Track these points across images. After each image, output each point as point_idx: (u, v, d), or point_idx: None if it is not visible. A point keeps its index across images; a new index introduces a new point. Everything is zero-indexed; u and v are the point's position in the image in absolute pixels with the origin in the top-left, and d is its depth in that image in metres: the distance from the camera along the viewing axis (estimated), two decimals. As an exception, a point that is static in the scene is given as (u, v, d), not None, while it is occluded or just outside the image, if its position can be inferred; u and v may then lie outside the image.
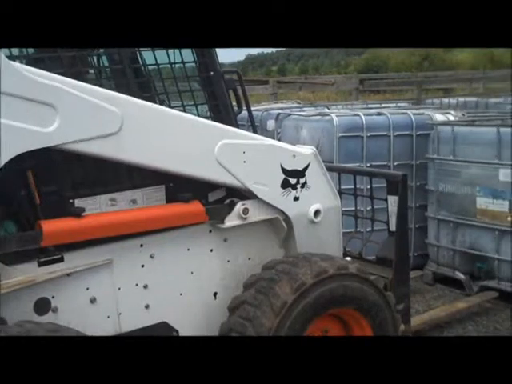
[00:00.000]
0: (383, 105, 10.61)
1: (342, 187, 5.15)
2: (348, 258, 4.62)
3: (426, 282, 7.34)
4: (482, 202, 6.74)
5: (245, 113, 4.53)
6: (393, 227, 4.79)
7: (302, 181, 4.26)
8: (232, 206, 4.08)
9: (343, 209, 4.95)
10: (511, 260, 6.61)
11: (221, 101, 4.26)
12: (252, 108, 4.76)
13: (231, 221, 4.06)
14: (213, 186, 4.08)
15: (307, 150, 4.36)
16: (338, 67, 45.93)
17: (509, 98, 13.12)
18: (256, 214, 4.14)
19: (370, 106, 10.42)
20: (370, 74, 32.39)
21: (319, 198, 4.38)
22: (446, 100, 14.01)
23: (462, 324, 6.28)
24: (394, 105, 10.82)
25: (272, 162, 4.14)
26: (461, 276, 7.10)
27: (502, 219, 6.60)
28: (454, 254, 7.17)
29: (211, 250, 4.09)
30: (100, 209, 3.73)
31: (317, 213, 4.36)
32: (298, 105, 11.41)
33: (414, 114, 7.79)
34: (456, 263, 7.17)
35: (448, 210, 7.15)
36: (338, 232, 4.60)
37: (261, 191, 4.09)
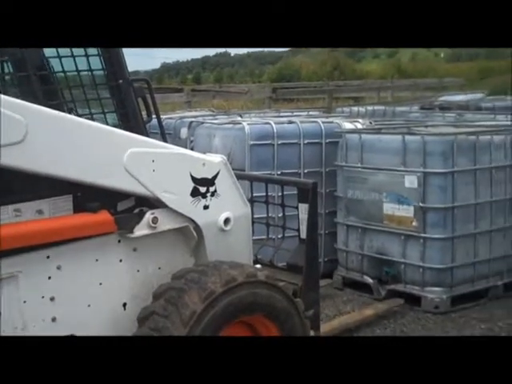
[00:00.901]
0: (295, 113, 10.74)
1: (254, 194, 5.14)
2: (258, 266, 4.61)
3: (336, 286, 7.40)
4: (389, 208, 6.86)
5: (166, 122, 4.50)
6: (303, 235, 4.81)
7: (211, 189, 4.24)
8: (141, 215, 4.01)
9: (255, 216, 4.97)
10: (417, 264, 6.75)
11: (130, 109, 4.18)
12: (166, 116, 4.71)
13: (140, 230, 3.98)
14: (122, 195, 3.99)
15: (217, 158, 4.35)
16: (252, 76, 46.29)
17: (414, 107, 13.48)
18: (165, 223, 4.08)
19: (282, 114, 10.52)
20: (283, 82, 32.71)
21: (229, 206, 4.36)
22: (355, 108, 14.25)
23: (371, 328, 6.36)
24: (306, 113, 10.95)
25: (181, 171, 4.10)
26: (369, 280, 7.20)
27: (407, 224, 6.75)
28: (363, 259, 7.27)
29: (120, 261, 4.00)
30: (4, 220, 3.57)
31: (227, 221, 4.34)
32: (211, 113, 11.42)
33: (323, 123, 7.87)
34: (364, 268, 7.28)
35: (356, 215, 7.25)
36: (249, 240, 4.59)
37: (170, 200, 4.04)
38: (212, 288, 3.83)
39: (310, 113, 11.04)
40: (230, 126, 7.79)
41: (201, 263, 4.21)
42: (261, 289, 4.05)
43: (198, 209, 4.18)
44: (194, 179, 4.13)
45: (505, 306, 6.82)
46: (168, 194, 4.03)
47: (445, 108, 12.38)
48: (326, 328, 5.85)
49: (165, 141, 4.33)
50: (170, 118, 8.80)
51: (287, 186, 5.24)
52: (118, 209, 4.01)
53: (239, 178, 4.51)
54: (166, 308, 3.82)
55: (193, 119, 8.37)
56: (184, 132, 7.91)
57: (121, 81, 4.13)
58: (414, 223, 6.69)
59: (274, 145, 7.39)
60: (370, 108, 13.96)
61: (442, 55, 55.88)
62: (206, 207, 4.21)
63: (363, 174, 7.09)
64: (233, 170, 4.44)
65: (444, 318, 6.54)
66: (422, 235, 6.67)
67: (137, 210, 4.06)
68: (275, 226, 5.44)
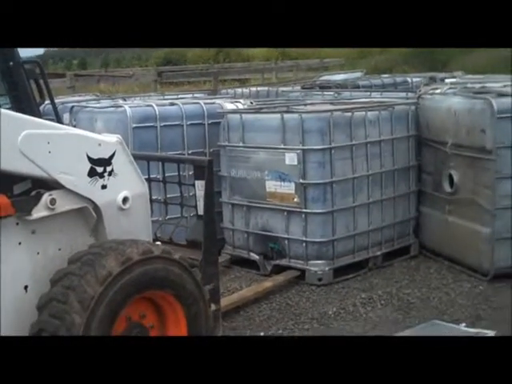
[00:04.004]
0: (180, 96, 10.90)
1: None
2: (158, 243, 4.83)
3: (224, 264, 7.70)
4: (271, 186, 7.28)
5: (48, 108, 4.67)
6: (201, 211, 5.13)
7: (108, 169, 4.44)
8: (39, 197, 4.17)
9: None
10: (299, 239, 7.24)
11: (22, 91, 4.34)
12: (47, 102, 4.91)
13: (38, 212, 4.15)
14: (18, 177, 4.14)
15: (112, 138, 4.57)
16: (140, 60, 45.76)
17: (297, 87, 14.02)
18: (64, 204, 4.26)
19: (166, 97, 10.67)
20: (170, 66, 32.83)
21: (127, 185, 4.59)
22: (239, 90, 14.70)
23: (257, 303, 6.76)
24: (191, 95, 11.15)
25: (78, 152, 4.28)
26: (255, 257, 7.63)
27: (289, 201, 7.20)
28: (248, 237, 7.69)
29: (19, 243, 4.15)
30: None
31: (125, 200, 4.59)
32: (95, 97, 11.52)
33: (205, 104, 8.19)
34: (250, 245, 7.69)
35: (240, 194, 7.64)
36: (147, 218, 4.85)
37: (67, 181, 4.22)
38: (109, 270, 4.08)
39: (195, 95, 11.24)
40: (112, 109, 7.98)
41: (96, 244, 4.42)
42: (158, 264, 4.33)
43: (95, 189, 4.40)
44: (90, 159, 4.34)
45: (384, 276, 7.47)
46: (65, 175, 4.21)
47: (324, 87, 12.75)
48: (225, 302, 6.24)
49: (60, 123, 4.52)
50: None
51: (184, 163, 5.59)
52: (14, 192, 4.18)
53: (136, 157, 4.75)
54: (64, 294, 4.02)
55: (75, 104, 8.54)
56: (66, 117, 8.02)
57: (11, 63, 4.29)
58: (295, 199, 7.14)
59: (156, 127, 7.65)
60: (253, 89, 14.42)
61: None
62: (103, 187, 4.43)
63: (245, 153, 7.48)
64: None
65: (327, 290, 7.06)
66: (304, 210, 7.13)
67: (34, 193, 4.24)
68: (173, 205, 5.73)
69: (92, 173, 4.38)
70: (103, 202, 4.48)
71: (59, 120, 4.74)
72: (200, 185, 5.15)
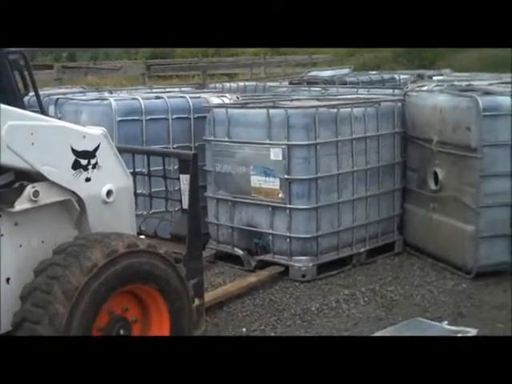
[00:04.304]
0: (168, 89, 10.89)
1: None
2: (142, 237, 4.85)
3: (208, 259, 7.71)
4: (256, 181, 7.32)
5: (33, 100, 4.67)
6: (185, 205, 5.15)
7: (93, 161, 4.45)
8: (21, 189, 4.17)
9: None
10: (284, 234, 7.27)
11: (6, 82, 4.35)
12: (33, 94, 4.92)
13: (21, 204, 4.15)
14: (0, 169, 4.15)
15: (97, 130, 4.57)
16: (129, 54, 45.64)
17: (284, 82, 14.07)
18: (47, 197, 4.27)
19: (154, 90, 10.68)
20: (158, 59, 32.84)
21: (111, 178, 4.60)
22: (227, 84, 14.74)
23: (241, 299, 6.78)
24: (178, 89, 11.12)
25: (62, 144, 4.29)
26: (239, 252, 7.66)
27: (274, 196, 7.23)
28: (233, 232, 7.71)
29: (2, 235, 4.14)
30: None
31: (109, 193, 4.59)
32: (81, 90, 11.50)
33: (191, 98, 8.22)
34: (235, 240, 7.72)
35: (225, 189, 7.66)
36: (131, 211, 4.88)
37: (51, 173, 4.23)
38: (94, 261, 4.10)
39: (183, 89, 11.21)
40: (97, 102, 7.98)
41: (81, 236, 4.43)
42: (142, 258, 4.35)
43: (79, 181, 4.41)
44: (74, 152, 4.35)
45: (367, 272, 7.52)
46: (48, 167, 4.21)
47: (312, 83, 12.82)
48: (210, 296, 6.28)
49: (44, 114, 4.52)
50: (37, 95, 8.89)
51: (169, 157, 5.60)
52: (-4, 184, 4.16)
53: (120, 151, 4.76)
54: (48, 284, 4.03)
55: (60, 96, 8.53)
56: (52, 110, 8.04)
57: None
58: (280, 195, 7.18)
59: (141, 120, 7.66)
60: (241, 84, 14.49)
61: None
62: (87, 180, 4.44)
63: (231, 147, 7.50)
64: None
65: (310, 286, 7.09)
66: (288, 206, 7.17)
67: (17, 184, 4.26)
68: (158, 198, 5.75)
69: (76, 165, 4.39)
70: (87, 195, 4.49)
71: (43, 112, 4.75)
72: (185, 179, 5.17)
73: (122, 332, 4.42)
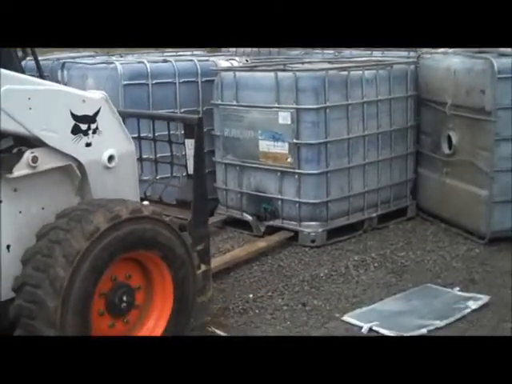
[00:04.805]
0: (179, 53, 10.55)
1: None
2: (146, 203, 4.81)
3: (216, 225, 7.75)
4: (264, 145, 7.27)
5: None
6: (191, 170, 5.11)
7: (93, 126, 4.41)
8: (20, 154, 4.14)
9: (145, 156, 5.25)
10: (293, 200, 7.24)
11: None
12: (42, 58, 4.84)
13: (20, 170, 4.12)
14: None
15: (97, 94, 4.53)
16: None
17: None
18: (46, 162, 4.23)
19: (165, 54, 10.34)
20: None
21: (112, 143, 4.56)
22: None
23: (249, 265, 6.77)
24: (190, 53, 10.78)
25: (60, 108, 4.24)
26: (248, 218, 7.65)
27: (282, 161, 7.19)
28: (242, 197, 7.70)
29: (1, 202, 4.13)
30: None
31: (111, 158, 4.56)
32: (92, 54, 11.35)
33: (199, 61, 8.13)
34: (244, 206, 7.71)
35: (234, 154, 7.63)
36: (134, 177, 4.84)
37: (50, 138, 4.19)
38: (96, 225, 4.07)
39: (195, 52, 10.85)
40: (103, 65, 7.90)
41: (85, 201, 4.42)
42: (147, 224, 4.32)
43: (79, 146, 4.37)
44: (74, 116, 4.30)
45: (378, 238, 7.50)
46: (47, 133, 4.17)
47: None
48: (217, 262, 6.30)
49: (42, 78, 4.46)
50: (47, 60, 8.66)
51: (174, 121, 5.53)
52: (-5, 149, 4.14)
53: (125, 115, 4.73)
54: (49, 247, 4.03)
55: (66, 60, 8.40)
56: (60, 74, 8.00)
57: None
58: (288, 160, 7.13)
59: (148, 84, 7.59)
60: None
61: None
62: (88, 145, 4.41)
63: (239, 111, 7.43)
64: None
65: (320, 252, 7.08)
66: (297, 171, 7.13)
67: (15, 150, 4.20)
68: (163, 163, 5.70)
69: (76, 130, 4.35)
70: (88, 161, 4.45)
71: (42, 76, 4.70)
72: (190, 144, 5.11)
73: (124, 298, 4.41)
